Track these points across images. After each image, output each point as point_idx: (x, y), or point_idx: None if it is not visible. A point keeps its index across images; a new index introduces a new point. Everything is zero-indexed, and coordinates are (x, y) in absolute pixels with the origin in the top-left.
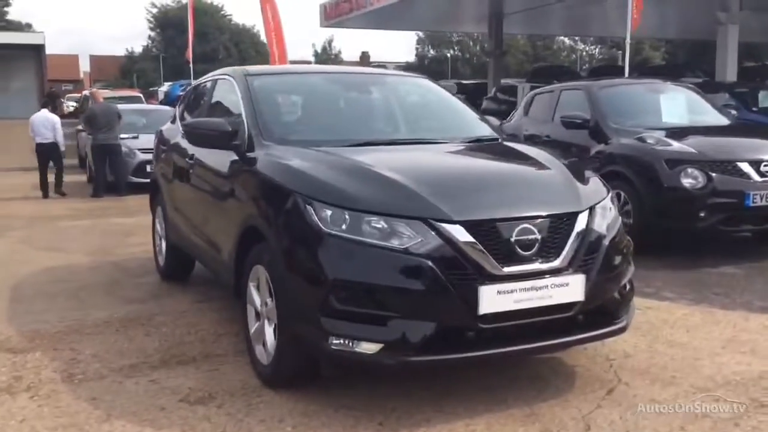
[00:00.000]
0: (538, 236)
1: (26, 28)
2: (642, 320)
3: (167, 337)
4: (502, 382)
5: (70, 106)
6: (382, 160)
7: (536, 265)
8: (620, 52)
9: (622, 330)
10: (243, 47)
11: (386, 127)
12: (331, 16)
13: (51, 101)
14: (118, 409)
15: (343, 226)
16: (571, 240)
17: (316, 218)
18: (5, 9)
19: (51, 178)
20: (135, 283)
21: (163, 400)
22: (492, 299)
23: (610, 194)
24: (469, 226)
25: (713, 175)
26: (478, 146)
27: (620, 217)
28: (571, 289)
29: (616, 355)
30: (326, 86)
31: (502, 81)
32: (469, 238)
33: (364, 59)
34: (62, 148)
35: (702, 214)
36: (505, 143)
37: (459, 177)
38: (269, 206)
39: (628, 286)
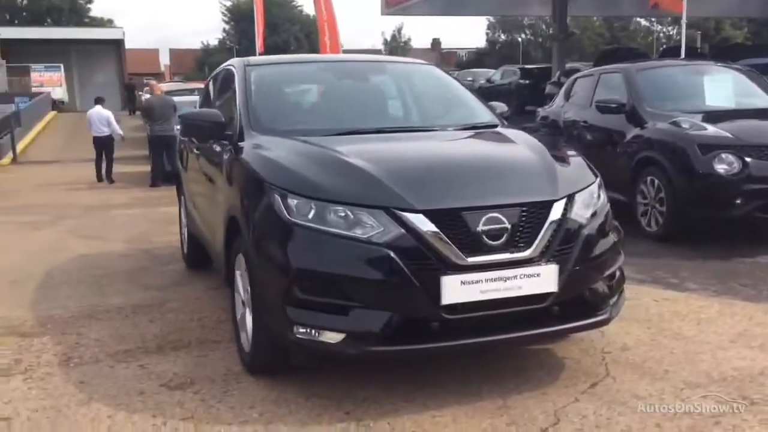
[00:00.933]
0: (508, 225)
1: (108, 24)
2: (653, 312)
3: (170, 323)
4: (482, 373)
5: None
6: (358, 150)
7: (504, 255)
8: (699, 32)
9: (604, 322)
10: (314, 38)
11: (377, 115)
12: (391, 3)
13: (129, 92)
14: (100, 393)
15: (309, 216)
16: (543, 229)
17: (283, 207)
18: (88, 6)
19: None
20: (160, 271)
21: (145, 385)
22: (455, 289)
23: (597, 181)
24: (433, 215)
25: (749, 160)
26: (467, 134)
27: (608, 205)
28: (543, 279)
29: (613, 347)
30: (323, 75)
31: (567, 65)
32: (432, 228)
33: (435, 46)
34: (118, 140)
35: (738, 201)
36: (498, 130)
37: (431, 165)
38: (245, 196)
39: (615, 277)
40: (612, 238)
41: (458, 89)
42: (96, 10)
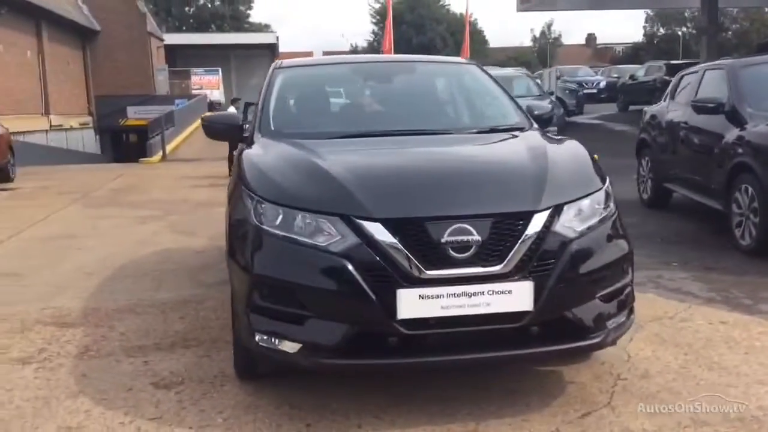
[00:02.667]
0: (477, 238)
1: (264, 28)
2: (701, 336)
3: (197, 320)
4: (468, 393)
5: None
6: (343, 154)
7: (470, 269)
8: None
9: (596, 347)
10: (460, 37)
11: (389, 117)
12: None
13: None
14: (92, 387)
15: (276, 222)
16: (519, 243)
17: (253, 213)
18: (248, 12)
19: None
20: (220, 268)
21: (137, 382)
22: (413, 304)
23: (602, 189)
24: (392, 224)
25: None
26: (475, 138)
27: (614, 216)
28: (516, 297)
29: (632, 373)
30: (348, 77)
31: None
32: (389, 238)
33: (590, 41)
34: None
35: None
36: (516, 134)
37: (407, 172)
38: (230, 199)
39: (618, 296)
40: (615, 252)
41: (491, 91)
42: (255, 16)
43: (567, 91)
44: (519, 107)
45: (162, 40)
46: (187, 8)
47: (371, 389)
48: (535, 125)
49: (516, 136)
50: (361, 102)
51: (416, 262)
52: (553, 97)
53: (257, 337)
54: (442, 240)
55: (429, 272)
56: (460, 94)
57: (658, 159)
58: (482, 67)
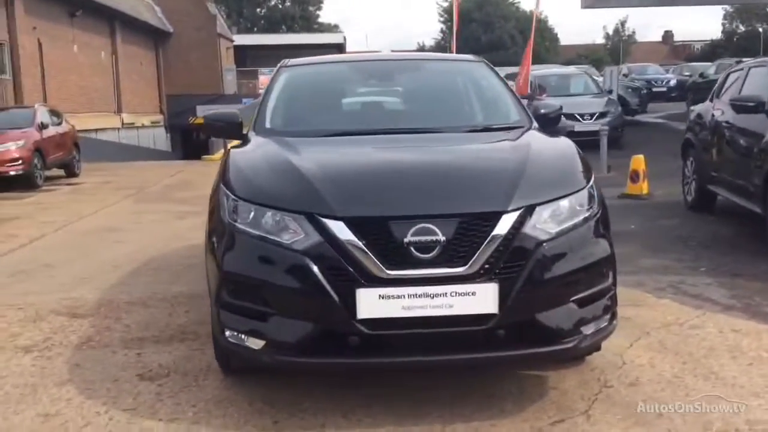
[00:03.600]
0: (441, 238)
1: (333, 29)
2: (706, 344)
3: (201, 314)
4: (444, 395)
5: None
6: (320, 153)
7: (433, 270)
8: None
9: (568, 352)
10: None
11: (382, 115)
12: None
13: None
14: (81, 377)
15: (248, 220)
16: (484, 244)
17: (227, 210)
18: (317, 13)
19: None
20: None
21: (125, 373)
22: (373, 304)
23: (584, 189)
24: (355, 223)
25: None
26: (463, 136)
27: (596, 218)
28: (479, 299)
29: (620, 381)
30: (350, 75)
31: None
32: (350, 236)
33: (668, 38)
34: None
35: None
36: (511, 133)
37: (377, 171)
38: (211, 198)
39: (595, 301)
40: (593, 255)
41: (494, 89)
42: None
43: (630, 90)
44: (521, 106)
45: (231, 41)
46: (258, 9)
47: (348, 388)
48: (535, 124)
49: (505, 135)
50: (357, 101)
51: (377, 261)
52: (612, 96)
53: (227, 333)
54: (406, 240)
55: (390, 272)
56: (461, 92)
57: (701, 160)
58: (490, 65)
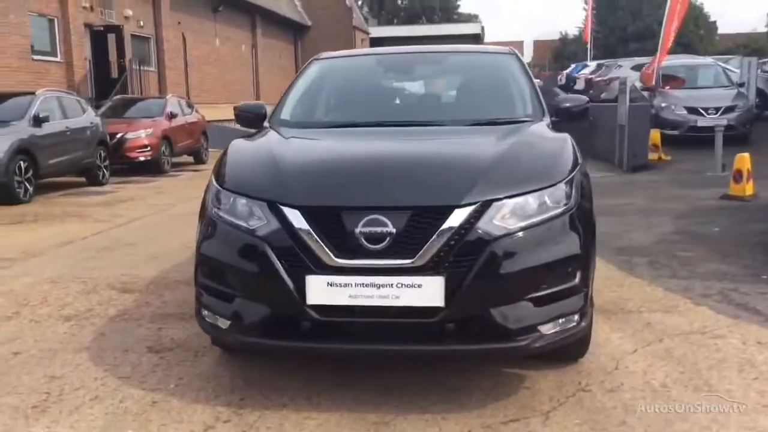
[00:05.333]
0: (392, 229)
1: (473, 19)
2: (718, 356)
3: None
4: (412, 385)
5: None
6: (307, 143)
7: (379, 261)
8: None
9: (521, 351)
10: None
11: (390, 108)
12: None
13: None
14: (98, 346)
15: (227, 207)
16: (433, 237)
17: (212, 199)
18: (458, 3)
19: None
20: None
21: (138, 345)
22: (321, 290)
23: (553, 187)
24: (310, 212)
25: None
26: (458, 130)
27: (565, 217)
28: (425, 292)
29: (600, 386)
30: (373, 68)
31: None
32: (304, 224)
33: None
34: None
35: None
36: (510, 126)
37: (343, 162)
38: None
39: (559, 300)
40: (556, 254)
41: (515, 83)
42: (465, 7)
43: None
44: (538, 100)
45: (367, 33)
46: (399, 1)
47: (324, 372)
48: (547, 119)
49: (502, 130)
50: (372, 93)
51: (327, 249)
52: (743, 89)
53: (204, 312)
54: (357, 230)
55: (339, 260)
56: (477, 85)
57: None
58: (520, 57)
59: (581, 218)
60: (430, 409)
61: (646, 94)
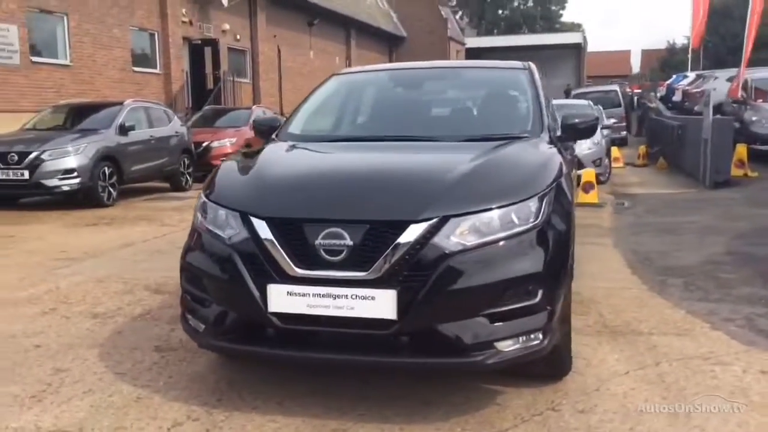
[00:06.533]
0: (350, 242)
1: (575, 28)
2: (711, 383)
3: None
4: (383, 397)
5: None
6: (293, 157)
7: (336, 272)
8: None
9: (474, 366)
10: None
11: (389, 124)
12: None
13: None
14: (113, 343)
15: (209, 218)
16: (387, 251)
17: (199, 207)
18: (560, 12)
19: None
20: None
21: (147, 343)
22: (281, 299)
23: (521, 204)
24: (275, 223)
25: None
26: (444, 146)
27: (530, 234)
28: (378, 304)
29: (571, 407)
30: (383, 84)
31: None
32: (268, 235)
33: None
34: None
35: None
36: (499, 143)
37: (315, 176)
38: None
39: (518, 318)
40: (516, 271)
41: (521, 98)
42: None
43: None
44: (539, 117)
45: (463, 44)
46: (500, 11)
47: (306, 380)
48: (546, 135)
49: (488, 146)
50: (376, 108)
51: (288, 260)
52: None
53: (187, 316)
54: (317, 242)
55: (299, 270)
56: (481, 101)
57: None
58: (533, 72)
59: (551, 236)
60: (392, 419)
61: (735, 107)
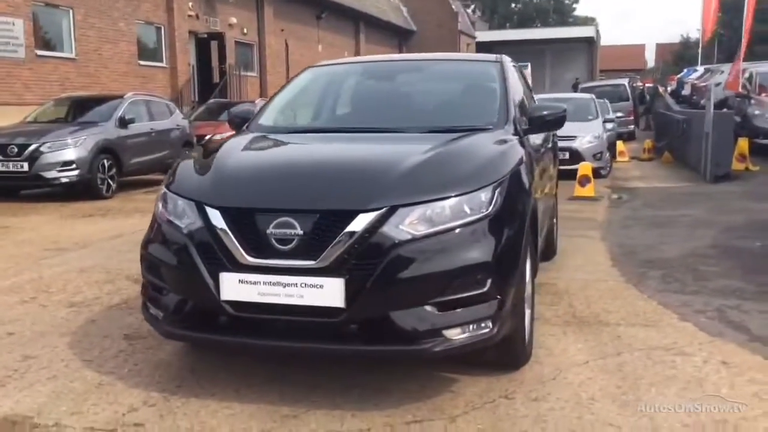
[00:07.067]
0: (299, 231)
1: (589, 22)
2: (669, 373)
3: None
4: (341, 385)
5: None
6: (250, 148)
7: (285, 261)
8: None
9: (421, 354)
10: None
11: (358, 115)
12: None
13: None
14: (84, 331)
15: (168, 206)
16: (336, 240)
17: (160, 197)
18: (574, 6)
19: None
20: None
21: (118, 331)
22: (233, 287)
23: (472, 193)
24: (228, 212)
25: None
26: (402, 137)
27: (481, 224)
28: (326, 293)
29: (524, 396)
30: (355, 76)
31: None
32: (221, 224)
33: None
34: None
35: None
36: (458, 135)
37: (269, 165)
38: None
39: (466, 306)
40: (463, 260)
41: (489, 91)
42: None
43: None
44: (505, 109)
45: (473, 37)
46: (513, 5)
47: (266, 368)
48: (510, 127)
49: (445, 137)
50: (345, 100)
51: (240, 248)
52: None
53: (148, 305)
54: (268, 231)
55: (250, 259)
56: (449, 93)
57: None
58: (506, 65)
59: (503, 226)
60: (343, 406)
61: (738, 101)
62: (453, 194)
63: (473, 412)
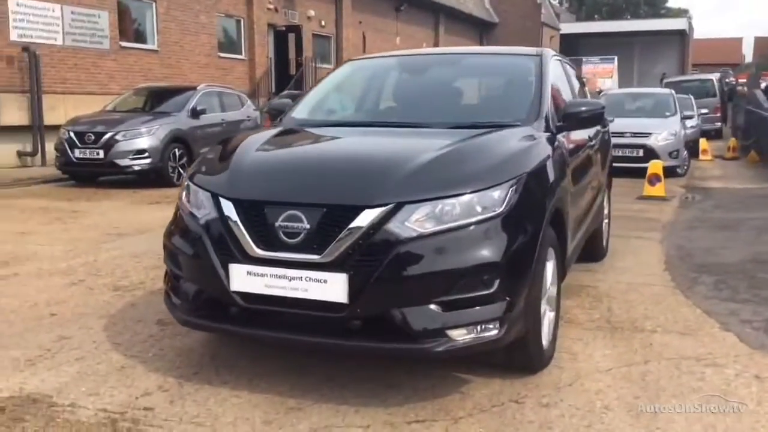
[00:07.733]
0: (306, 225)
1: (682, 14)
2: (695, 384)
3: None
4: (347, 378)
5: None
6: (275, 141)
7: (292, 255)
8: None
9: (424, 353)
10: None
11: (386, 109)
12: None
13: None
14: (121, 314)
15: (189, 197)
16: (341, 235)
17: (184, 190)
18: None
19: None
20: None
21: (152, 316)
22: (242, 278)
23: (484, 191)
24: (240, 204)
25: None
26: (430, 132)
27: (492, 223)
28: (330, 287)
29: (537, 401)
30: (392, 70)
31: None
32: (234, 216)
33: None
34: None
35: None
36: (484, 131)
37: (287, 160)
38: None
39: (473, 307)
40: (471, 260)
41: (523, 86)
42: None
43: None
44: (537, 105)
45: (557, 29)
46: None
47: (284, 359)
48: (540, 123)
49: (468, 133)
50: (377, 94)
51: (250, 240)
52: None
53: (169, 292)
54: (276, 224)
55: (258, 251)
56: (484, 88)
57: None
58: (546, 59)
59: (516, 225)
60: (350, 401)
61: None
62: (463, 192)
63: (479, 414)
